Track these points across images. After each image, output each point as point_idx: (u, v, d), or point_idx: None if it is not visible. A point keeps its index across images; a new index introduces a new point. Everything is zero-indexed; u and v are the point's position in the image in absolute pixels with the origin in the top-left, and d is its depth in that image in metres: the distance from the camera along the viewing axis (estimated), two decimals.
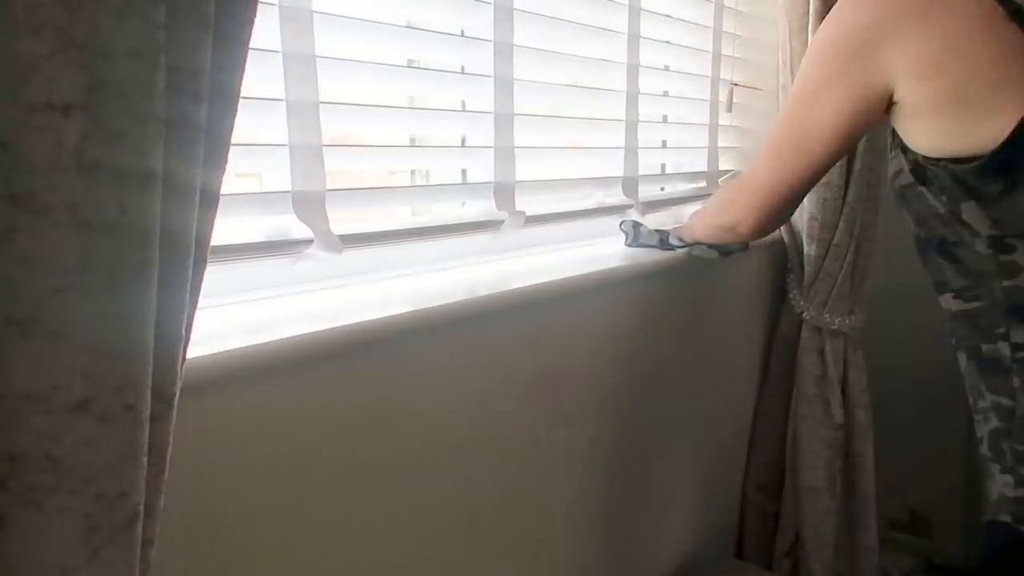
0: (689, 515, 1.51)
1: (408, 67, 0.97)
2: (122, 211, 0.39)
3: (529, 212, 1.06)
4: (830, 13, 0.86)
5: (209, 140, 0.44)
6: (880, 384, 1.67)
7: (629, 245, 1.24)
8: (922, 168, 0.82)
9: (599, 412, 1.15)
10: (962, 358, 0.89)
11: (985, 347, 0.82)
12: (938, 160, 0.79)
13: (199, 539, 0.65)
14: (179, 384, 0.46)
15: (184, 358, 0.47)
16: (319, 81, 0.78)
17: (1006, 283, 0.79)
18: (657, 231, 1.24)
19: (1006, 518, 0.81)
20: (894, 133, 0.87)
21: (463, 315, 0.87)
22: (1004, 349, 0.81)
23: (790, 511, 1.62)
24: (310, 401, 0.73)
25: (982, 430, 0.86)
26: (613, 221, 1.28)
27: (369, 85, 0.90)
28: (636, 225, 1.25)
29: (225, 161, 0.46)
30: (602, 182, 1.25)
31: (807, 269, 1.52)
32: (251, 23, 0.46)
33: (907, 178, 0.86)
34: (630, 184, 1.27)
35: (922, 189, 0.83)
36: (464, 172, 1.11)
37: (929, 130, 0.79)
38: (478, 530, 0.97)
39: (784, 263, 1.60)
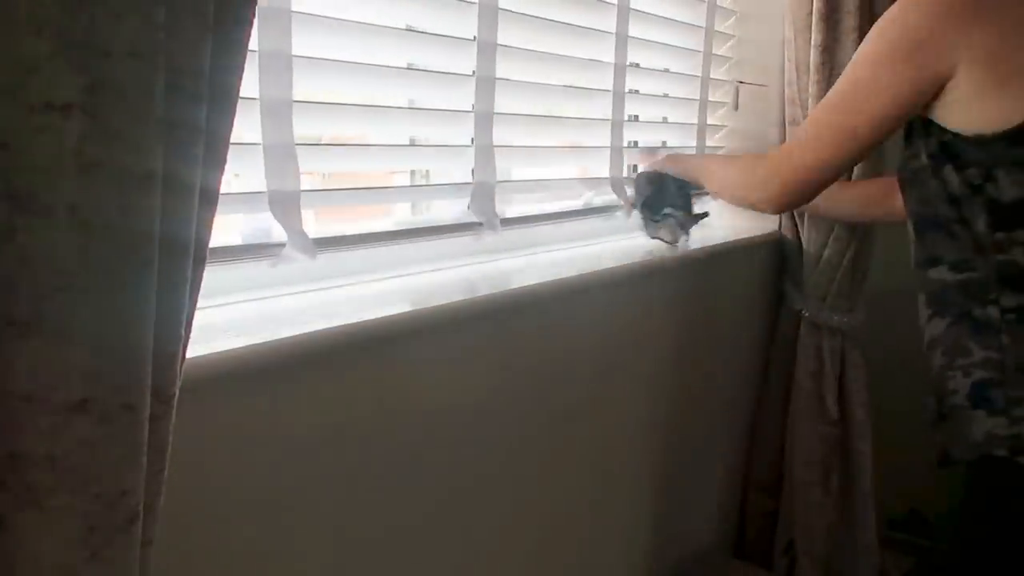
0: (689, 514, 1.51)
1: (397, 68, 0.97)
2: (122, 211, 0.39)
3: (510, 214, 1.05)
4: (889, 14, 0.98)
5: (208, 140, 0.44)
6: (881, 383, 1.67)
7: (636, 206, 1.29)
8: (951, 147, 0.94)
9: (598, 412, 1.15)
10: (940, 324, 1.00)
11: (977, 311, 0.96)
12: (973, 137, 0.92)
13: (199, 539, 0.65)
14: (179, 384, 0.46)
15: (184, 358, 0.47)
16: (294, 81, 0.77)
17: (999, 257, 0.93)
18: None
19: (1002, 452, 0.92)
20: (914, 120, 0.99)
21: (462, 315, 0.87)
22: (994, 312, 0.94)
23: (788, 509, 1.62)
24: (309, 401, 0.73)
25: (961, 383, 0.97)
26: (598, 223, 1.28)
27: (350, 86, 0.90)
28: (643, 192, 1.27)
29: (224, 161, 0.46)
30: (589, 182, 1.25)
31: (806, 261, 1.52)
32: (250, 24, 0.46)
33: (922, 161, 0.99)
34: (617, 184, 1.27)
35: (944, 169, 0.96)
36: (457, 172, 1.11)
37: (971, 111, 0.93)
38: (477, 529, 0.97)
39: (783, 262, 1.60)
